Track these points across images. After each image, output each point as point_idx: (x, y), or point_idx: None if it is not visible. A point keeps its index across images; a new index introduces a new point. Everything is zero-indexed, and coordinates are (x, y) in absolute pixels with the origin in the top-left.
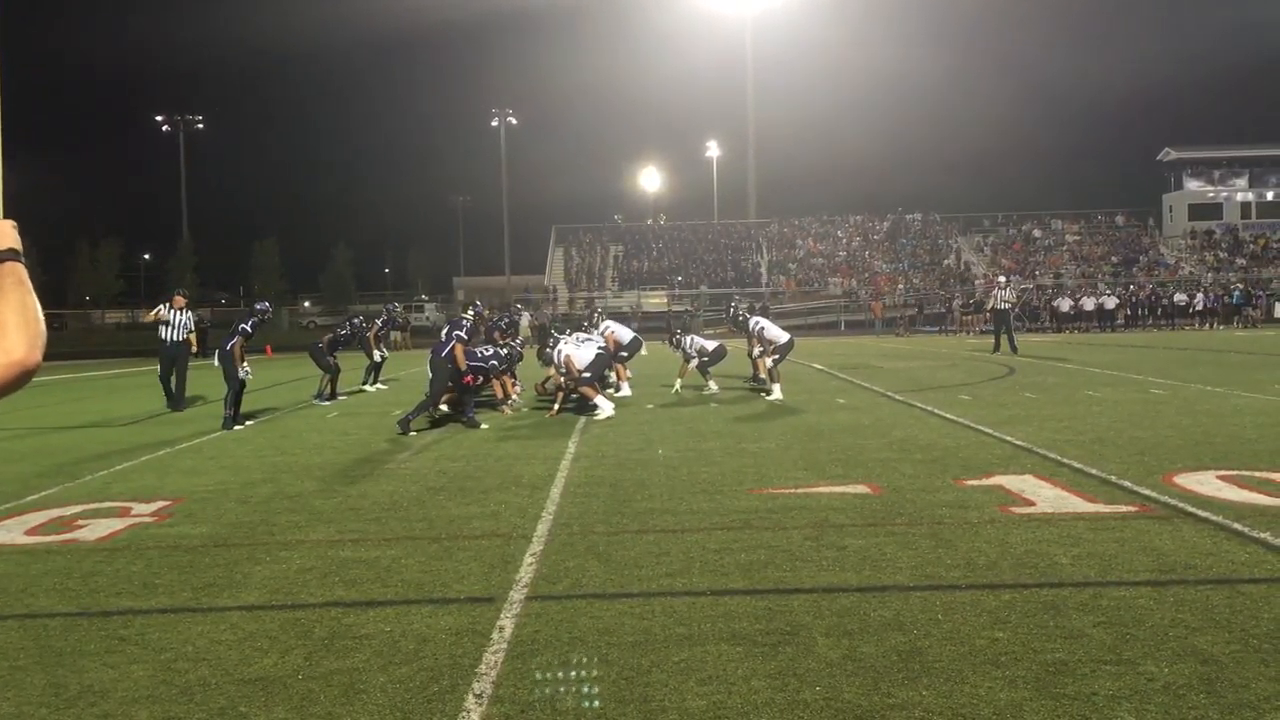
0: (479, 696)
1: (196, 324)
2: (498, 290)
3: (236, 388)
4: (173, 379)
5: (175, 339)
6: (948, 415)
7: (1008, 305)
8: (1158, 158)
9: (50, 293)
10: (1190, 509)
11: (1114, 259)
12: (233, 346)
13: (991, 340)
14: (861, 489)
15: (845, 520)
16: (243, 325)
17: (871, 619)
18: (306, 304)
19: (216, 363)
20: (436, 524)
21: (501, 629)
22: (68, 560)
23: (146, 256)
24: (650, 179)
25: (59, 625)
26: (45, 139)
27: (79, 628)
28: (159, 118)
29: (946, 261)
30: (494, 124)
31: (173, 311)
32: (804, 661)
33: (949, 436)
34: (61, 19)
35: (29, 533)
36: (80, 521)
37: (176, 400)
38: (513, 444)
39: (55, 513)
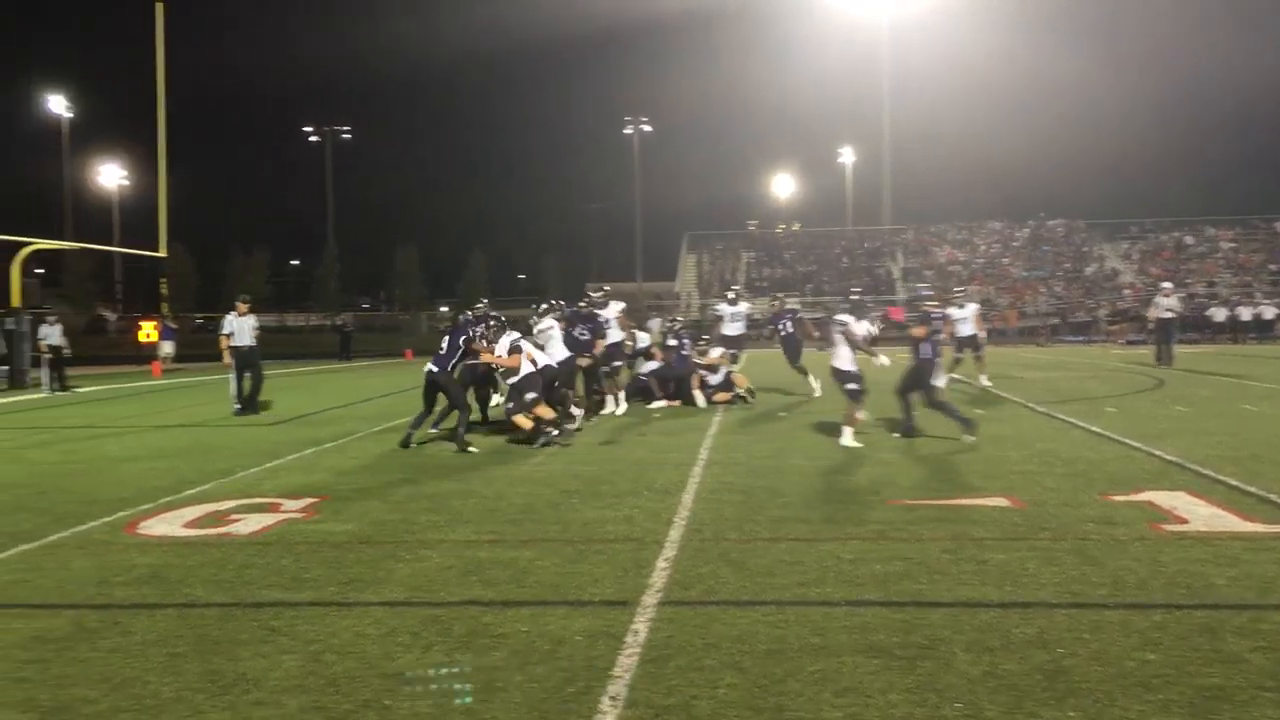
0: (614, 699)
1: (340, 328)
2: (629, 296)
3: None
4: (246, 382)
5: (244, 344)
6: (1092, 428)
7: (1172, 314)
8: None
9: (205, 297)
10: None
11: (1272, 267)
12: (454, 367)
13: (1146, 350)
14: (1002, 502)
15: (985, 534)
16: (471, 333)
17: (1014, 636)
18: (444, 309)
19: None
20: (571, 527)
21: (636, 633)
22: (222, 553)
23: (294, 262)
24: (783, 185)
25: (215, 615)
26: (202, 151)
27: (233, 618)
28: (308, 129)
29: (1090, 269)
30: (628, 131)
31: (238, 319)
32: (943, 677)
33: (1094, 450)
34: (217, 38)
35: (186, 526)
36: (234, 516)
37: (250, 403)
38: (644, 449)
39: (210, 507)
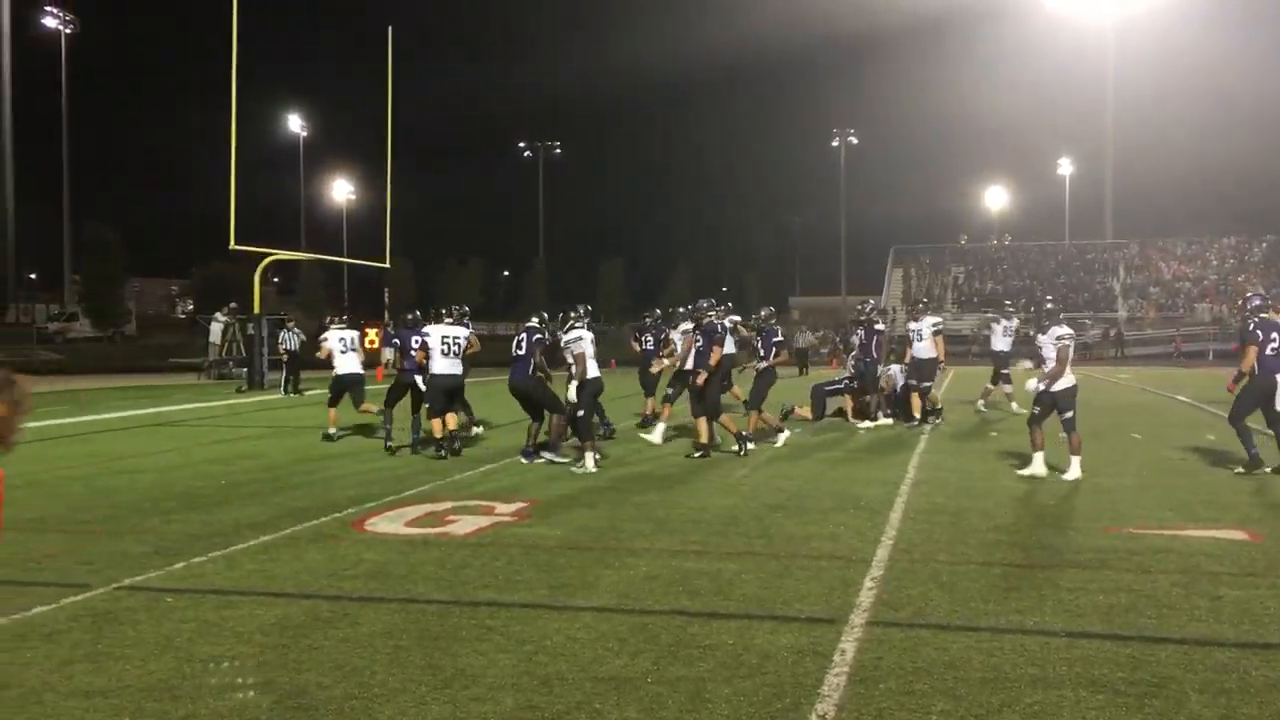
0: (822, 718)
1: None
2: (831, 310)
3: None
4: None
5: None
6: None
7: None
8: None
9: (421, 307)
10: None
11: None
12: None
13: None
14: (1237, 535)
15: (1219, 568)
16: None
17: (1253, 679)
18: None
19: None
20: (775, 541)
21: (843, 652)
22: (441, 552)
23: (505, 274)
24: (995, 198)
25: (435, 611)
26: (421, 166)
27: (452, 615)
28: (521, 144)
29: None
30: (834, 144)
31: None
32: (1174, 717)
33: None
34: (439, 62)
35: (408, 524)
36: (451, 517)
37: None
38: (848, 466)
39: (429, 507)
